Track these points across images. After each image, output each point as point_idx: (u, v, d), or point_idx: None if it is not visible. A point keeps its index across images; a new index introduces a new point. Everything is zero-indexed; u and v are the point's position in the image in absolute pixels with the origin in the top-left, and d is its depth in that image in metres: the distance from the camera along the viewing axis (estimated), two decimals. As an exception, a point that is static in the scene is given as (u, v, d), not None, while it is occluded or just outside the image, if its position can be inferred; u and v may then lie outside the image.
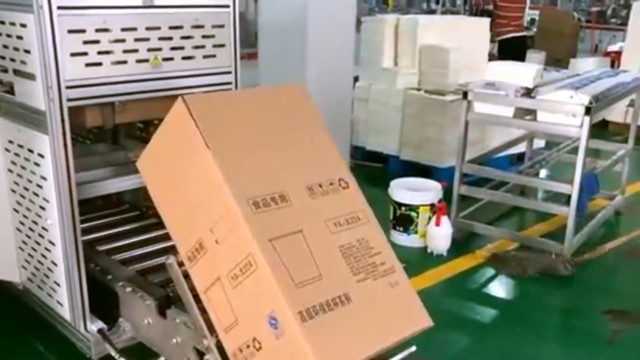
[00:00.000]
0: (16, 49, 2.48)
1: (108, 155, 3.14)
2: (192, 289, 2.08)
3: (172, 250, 2.96)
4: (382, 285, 1.92)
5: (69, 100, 2.38)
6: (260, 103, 2.05)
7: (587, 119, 3.65)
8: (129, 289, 2.63)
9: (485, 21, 6.01)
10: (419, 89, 5.47)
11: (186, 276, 2.08)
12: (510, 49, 7.41)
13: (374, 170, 5.69)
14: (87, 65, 2.42)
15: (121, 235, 3.13)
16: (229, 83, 2.86)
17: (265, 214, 1.80)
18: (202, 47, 2.73)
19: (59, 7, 2.27)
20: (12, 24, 2.45)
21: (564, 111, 3.78)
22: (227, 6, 2.75)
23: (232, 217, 1.79)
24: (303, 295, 1.74)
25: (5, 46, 2.54)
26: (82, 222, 2.60)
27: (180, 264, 2.08)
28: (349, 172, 2.08)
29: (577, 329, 3.30)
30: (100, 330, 2.64)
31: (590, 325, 3.32)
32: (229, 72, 2.84)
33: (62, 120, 2.38)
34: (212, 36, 2.74)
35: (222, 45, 2.79)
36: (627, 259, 4.27)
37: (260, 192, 1.83)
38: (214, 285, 1.91)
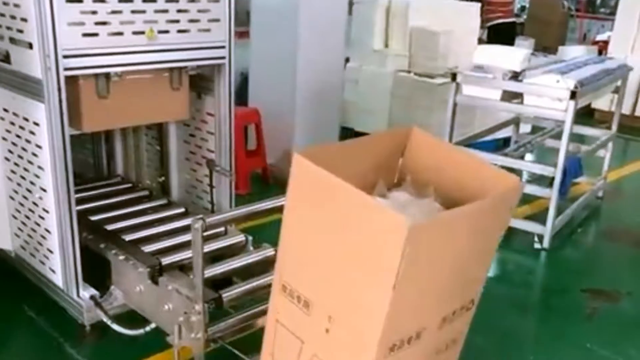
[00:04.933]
0: (13, 17, 2.50)
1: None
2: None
3: (163, 221, 3.05)
4: None
5: (66, 69, 2.42)
6: (476, 228, 1.76)
7: (572, 103, 3.72)
8: (121, 257, 2.68)
9: (476, 6, 6.06)
10: (408, 72, 5.51)
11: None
12: (498, 35, 7.46)
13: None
14: (84, 35, 2.45)
15: (114, 206, 3.18)
16: (223, 57, 2.90)
17: (392, 357, 1.72)
18: (197, 21, 2.77)
19: (58, -24, 2.30)
20: (9, -8, 2.47)
21: (549, 95, 3.84)
22: (223, -19, 2.79)
23: (361, 348, 1.69)
24: None
25: (1, 14, 2.56)
26: (75, 192, 2.62)
27: (204, 230, 2.09)
28: (482, 286, 1.98)
29: (558, 305, 3.38)
30: (92, 297, 2.70)
31: (570, 302, 3.42)
32: (223, 47, 2.88)
33: (59, 89, 2.41)
34: (207, 10, 2.78)
35: (217, 20, 2.82)
36: (604, 241, 4.42)
37: (403, 334, 1.72)
38: (296, 340, 1.85)
